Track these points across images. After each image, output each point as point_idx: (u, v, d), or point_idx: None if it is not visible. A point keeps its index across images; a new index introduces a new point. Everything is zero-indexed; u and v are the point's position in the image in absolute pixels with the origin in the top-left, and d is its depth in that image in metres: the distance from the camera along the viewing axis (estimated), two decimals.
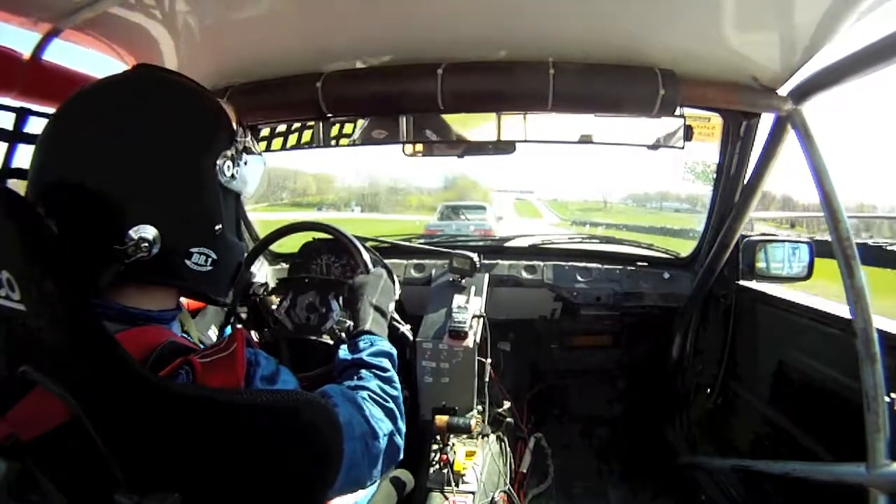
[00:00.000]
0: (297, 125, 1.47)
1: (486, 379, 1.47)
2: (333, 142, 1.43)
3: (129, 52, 1.15)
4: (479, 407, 1.47)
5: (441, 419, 1.31)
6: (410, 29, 1.12)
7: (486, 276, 1.69)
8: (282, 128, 1.50)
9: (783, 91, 1.22)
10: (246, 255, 0.83)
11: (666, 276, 1.89)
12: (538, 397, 2.21)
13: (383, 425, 0.73)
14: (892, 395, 1.03)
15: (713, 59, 1.17)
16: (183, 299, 0.70)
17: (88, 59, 1.22)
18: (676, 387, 2.01)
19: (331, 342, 1.29)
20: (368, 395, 0.76)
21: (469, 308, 1.48)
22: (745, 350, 1.73)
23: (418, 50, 1.19)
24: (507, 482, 1.39)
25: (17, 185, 0.91)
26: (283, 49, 1.21)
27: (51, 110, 0.92)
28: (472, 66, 1.21)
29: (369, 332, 0.93)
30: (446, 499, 1.23)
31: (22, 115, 0.95)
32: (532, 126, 1.33)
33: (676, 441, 2.00)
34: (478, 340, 1.44)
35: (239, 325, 1.37)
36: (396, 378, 0.86)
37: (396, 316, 1.27)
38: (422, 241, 2.10)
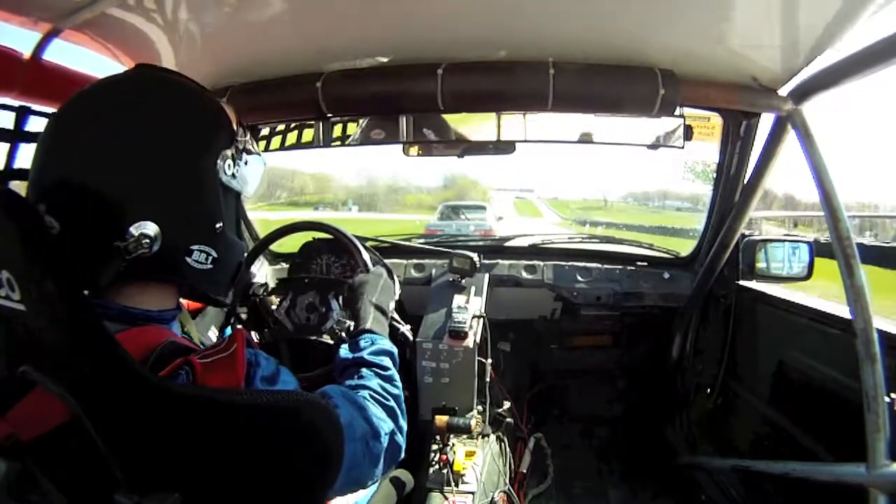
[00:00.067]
0: (296, 125, 1.47)
1: (487, 379, 1.47)
2: (334, 142, 1.43)
3: (129, 52, 1.15)
4: (479, 407, 1.47)
5: (441, 419, 1.31)
6: (410, 29, 1.12)
7: (486, 276, 1.69)
8: (282, 128, 1.50)
9: (783, 91, 1.22)
10: (246, 254, 0.83)
11: (666, 275, 1.89)
12: (538, 397, 2.21)
13: (384, 425, 0.73)
14: (892, 395, 1.03)
15: (713, 59, 1.17)
16: (183, 300, 0.70)
17: (88, 59, 1.22)
18: (676, 387, 2.00)
19: (331, 342, 1.29)
20: (369, 395, 0.76)
21: (469, 308, 1.48)
22: (745, 350, 1.73)
23: (418, 50, 1.19)
24: (507, 482, 1.39)
25: (18, 186, 0.91)
26: (283, 49, 1.21)
27: (51, 110, 0.92)
28: (472, 66, 1.21)
29: (370, 331, 0.93)
30: (446, 499, 1.23)
31: (22, 114, 0.95)
32: (532, 126, 1.33)
33: (676, 441, 2.00)
34: (478, 340, 1.44)
35: (239, 326, 1.37)
36: (397, 376, 0.86)
37: (396, 316, 1.27)
38: (422, 240, 2.10)
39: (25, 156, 0.94)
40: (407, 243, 2.01)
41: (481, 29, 1.10)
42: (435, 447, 1.33)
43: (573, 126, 1.35)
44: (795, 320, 1.47)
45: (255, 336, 1.32)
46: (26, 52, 0.97)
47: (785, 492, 1.43)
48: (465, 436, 1.37)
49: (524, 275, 1.88)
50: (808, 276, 1.62)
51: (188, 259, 0.61)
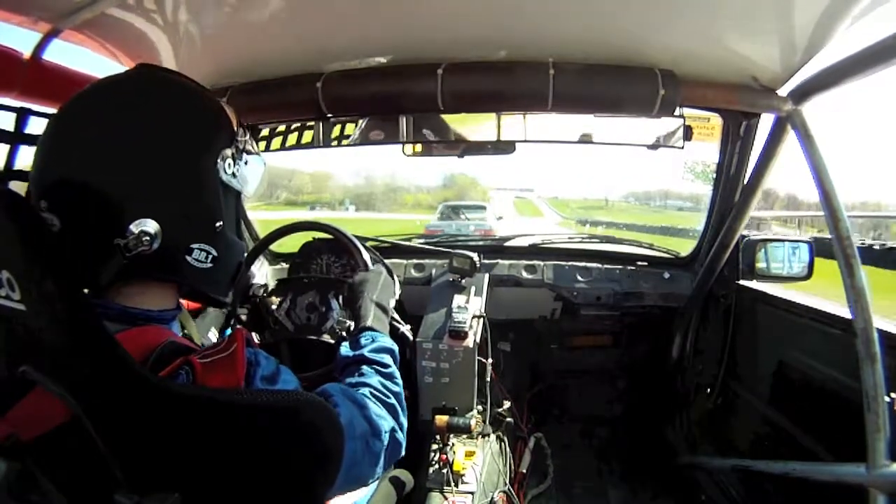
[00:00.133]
0: (297, 125, 1.47)
1: (487, 379, 1.47)
2: (334, 142, 1.43)
3: (129, 52, 1.15)
4: (479, 407, 1.47)
5: (441, 419, 1.31)
6: (410, 29, 1.12)
7: (486, 275, 1.69)
8: (282, 128, 1.50)
9: (783, 91, 1.22)
10: (246, 254, 0.83)
11: (666, 275, 1.89)
12: (538, 397, 2.21)
13: (384, 423, 0.73)
14: (892, 395, 1.04)
15: (713, 59, 1.17)
16: (182, 301, 0.70)
17: (88, 60, 1.22)
18: (676, 387, 2.00)
19: (332, 341, 1.29)
20: (370, 392, 0.76)
21: (469, 308, 1.48)
22: (745, 350, 1.73)
23: (418, 50, 1.19)
24: (507, 482, 1.39)
25: (18, 186, 0.91)
26: (283, 49, 1.21)
27: (51, 110, 0.92)
28: (472, 66, 1.21)
29: (371, 329, 0.94)
30: (446, 499, 1.23)
31: (22, 115, 0.95)
32: (532, 126, 1.33)
33: (676, 441, 2.00)
34: (478, 340, 1.44)
35: (239, 326, 1.37)
36: (398, 374, 0.86)
37: (396, 316, 1.27)
38: (422, 240, 2.10)
39: (25, 156, 0.94)
40: (407, 243, 2.01)
41: (481, 29, 1.10)
42: (435, 447, 1.33)
43: (573, 126, 1.35)
44: (795, 320, 1.47)
45: (255, 337, 1.32)
46: (26, 52, 0.97)
47: (785, 492, 1.43)
48: (464, 436, 1.37)
49: (524, 275, 1.88)
50: (809, 276, 1.62)
51: (188, 258, 0.61)
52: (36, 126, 0.96)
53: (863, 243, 8.59)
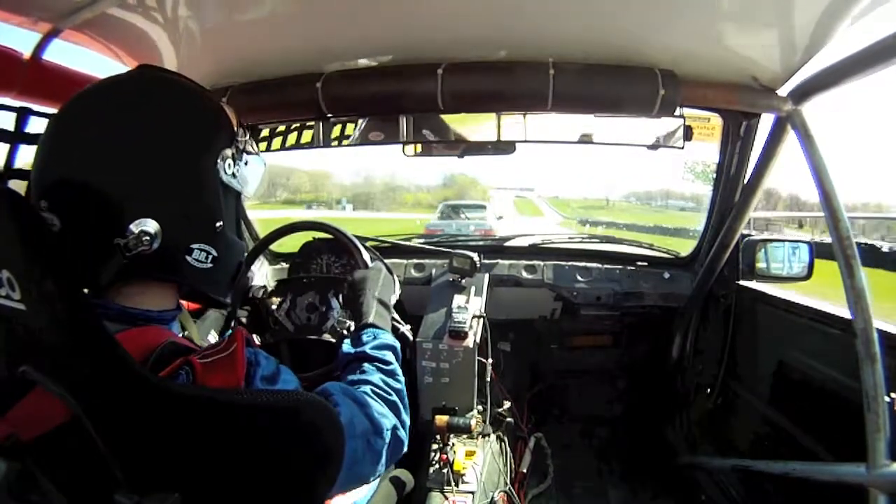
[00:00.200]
0: (297, 125, 1.47)
1: (487, 379, 1.47)
2: (333, 142, 1.43)
3: (130, 52, 1.15)
4: (480, 407, 1.47)
5: (441, 419, 1.31)
6: (410, 29, 1.12)
7: (486, 275, 1.69)
8: (282, 128, 1.50)
9: (783, 91, 1.22)
10: (246, 254, 0.83)
11: (666, 275, 1.89)
12: (538, 397, 2.21)
13: (385, 421, 0.72)
14: (892, 395, 1.04)
15: (713, 59, 1.17)
16: (182, 302, 0.70)
17: (88, 60, 1.22)
18: (676, 387, 2.01)
19: (332, 340, 1.29)
20: (371, 390, 0.76)
21: (469, 308, 1.48)
22: (745, 350, 1.73)
23: (418, 50, 1.19)
24: (507, 482, 1.39)
25: (18, 186, 0.91)
26: (283, 49, 1.21)
27: (51, 110, 0.92)
28: (472, 66, 1.21)
29: (373, 325, 0.93)
30: (446, 498, 1.23)
31: (22, 114, 0.95)
32: (532, 126, 1.33)
33: (676, 441, 2.00)
34: (478, 340, 1.43)
35: (239, 326, 1.37)
36: (399, 370, 0.86)
37: (396, 315, 1.27)
38: (422, 240, 2.10)
39: (26, 156, 0.94)
40: (407, 243, 2.01)
41: (481, 29, 1.10)
42: (435, 447, 1.33)
43: (573, 126, 1.35)
44: (795, 320, 1.47)
45: (256, 338, 1.32)
46: (26, 52, 0.97)
47: (785, 492, 1.43)
48: (465, 435, 1.37)
49: (524, 275, 1.88)
50: (808, 276, 1.62)
51: (188, 258, 0.61)
52: (36, 126, 0.96)
53: (869, 244, 8.54)
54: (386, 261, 1.37)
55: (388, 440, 0.72)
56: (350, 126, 1.42)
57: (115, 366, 0.45)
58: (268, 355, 0.61)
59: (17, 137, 0.93)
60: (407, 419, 0.78)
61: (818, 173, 1.14)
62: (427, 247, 1.92)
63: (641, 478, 1.98)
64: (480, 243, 2.66)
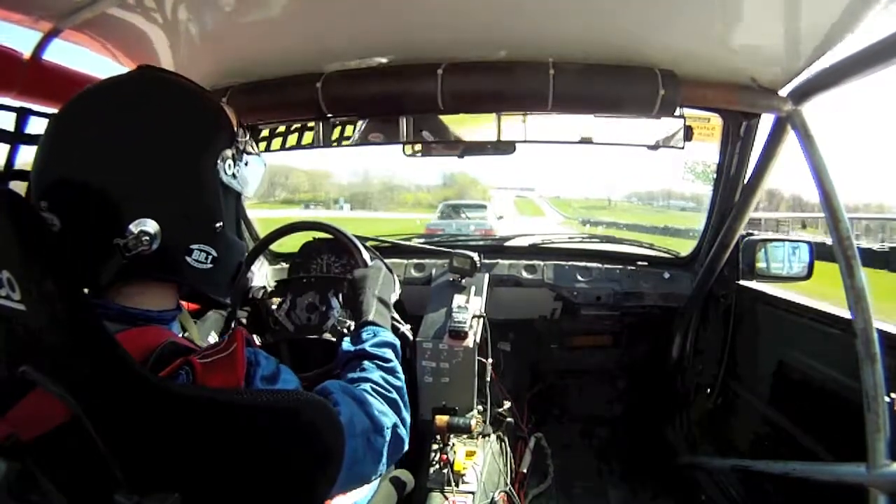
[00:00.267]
0: (297, 125, 1.47)
1: (487, 379, 1.47)
2: (334, 142, 1.43)
3: (129, 52, 1.15)
4: (480, 407, 1.47)
5: (441, 419, 1.31)
6: (410, 29, 1.12)
7: (486, 275, 1.69)
8: (282, 128, 1.50)
9: (783, 92, 1.22)
10: (246, 255, 0.83)
11: (666, 275, 1.89)
12: (538, 397, 2.21)
13: (386, 419, 0.72)
14: (892, 395, 1.03)
15: (713, 59, 1.17)
16: (183, 303, 0.70)
17: (88, 60, 1.22)
18: (676, 387, 2.00)
19: (333, 339, 1.29)
20: (371, 388, 0.76)
21: (469, 308, 1.48)
22: (745, 350, 1.73)
23: (418, 50, 1.19)
24: (508, 482, 1.39)
25: (18, 186, 0.91)
26: (283, 49, 1.21)
27: (51, 110, 0.92)
28: (472, 66, 1.21)
29: (373, 323, 0.93)
30: (446, 499, 1.23)
31: (22, 114, 0.95)
32: (532, 126, 1.33)
33: (676, 441, 2.00)
34: (478, 340, 1.43)
35: (239, 327, 1.37)
36: (400, 368, 0.85)
37: (396, 314, 1.27)
38: (422, 240, 2.10)
39: (26, 156, 0.94)
40: (407, 243, 2.01)
41: (481, 29, 1.10)
42: (435, 447, 1.33)
43: (573, 126, 1.35)
44: (795, 320, 1.47)
45: (256, 338, 1.32)
46: (26, 52, 0.97)
47: (785, 492, 1.43)
48: (465, 436, 1.37)
49: (524, 274, 1.88)
50: (808, 276, 1.62)
51: (188, 258, 0.61)
52: (36, 126, 0.96)
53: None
54: (386, 260, 1.37)
55: (388, 438, 0.71)
56: (350, 126, 1.42)
57: (115, 366, 0.45)
58: (268, 355, 0.61)
59: (17, 137, 0.93)
60: (407, 417, 0.78)
61: (818, 173, 1.14)
62: (427, 247, 1.92)
63: (641, 478, 1.98)
64: (480, 243, 2.66)
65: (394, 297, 1.09)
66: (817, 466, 1.24)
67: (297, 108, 1.35)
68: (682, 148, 1.33)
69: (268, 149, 1.52)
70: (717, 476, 1.74)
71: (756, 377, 1.64)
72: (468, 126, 1.38)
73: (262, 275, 1.84)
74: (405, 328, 1.31)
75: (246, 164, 0.68)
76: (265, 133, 1.53)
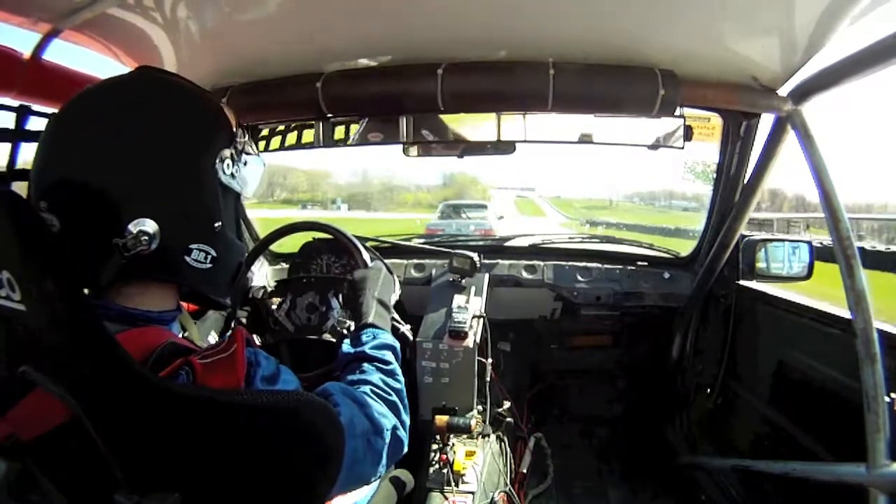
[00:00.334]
0: (296, 125, 1.47)
1: (487, 379, 1.47)
2: (334, 142, 1.43)
3: (129, 52, 1.15)
4: (479, 407, 1.47)
5: (441, 419, 1.31)
6: (410, 29, 1.12)
7: (486, 275, 1.69)
8: (281, 128, 1.50)
9: (783, 91, 1.22)
10: (246, 255, 0.83)
11: (666, 275, 1.89)
12: (538, 397, 2.20)
13: (385, 421, 0.73)
14: (892, 395, 1.04)
15: (713, 59, 1.17)
16: (183, 303, 0.70)
17: (88, 60, 1.22)
18: (676, 387, 2.00)
19: (333, 340, 1.29)
20: (370, 390, 0.76)
21: (469, 308, 1.48)
22: (745, 350, 1.73)
23: (418, 50, 1.19)
24: (507, 482, 1.39)
25: (18, 186, 0.91)
26: (283, 49, 1.21)
27: (51, 110, 0.93)
28: (472, 66, 1.21)
29: (372, 325, 0.94)
30: (446, 499, 1.23)
31: (22, 114, 0.95)
32: (532, 126, 1.32)
33: (676, 441, 2.00)
34: (478, 340, 1.43)
35: (239, 327, 1.37)
36: (399, 370, 0.86)
37: (396, 315, 1.27)
38: (422, 240, 2.10)
39: (26, 156, 0.94)
40: (407, 243, 2.01)
41: (481, 29, 1.10)
42: (435, 447, 1.33)
43: (573, 126, 1.35)
44: (795, 320, 1.47)
45: (256, 338, 1.32)
46: (26, 52, 0.97)
47: (785, 492, 1.43)
48: (465, 436, 1.37)
49: (524, 275, 1.88)
50: (808, 276, 1.62)
51: (187, 258, 0.61)
52: (36, 126, 0.96)
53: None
54: (386, 261, 1.37)
55: (388, 440, 0.72)
56: (350, 126, 1.42)
57: (115, 366, 0.45)
58: (268, 356, 0.61)
59: (17, 137, 0.93)
60: (407, 419, 0.78)
61: (818, 173, 1.14)
62: (427, 247, 1.92)
63: (641, 478, 1.98)
64: (480, 243, 2.66)
65: (394, 299, 1.09)
66: (817, 466, 1.24)
67: (297, 108, 1.35)
68: (682, 148, 1.34)
69: (267, 148, 1.52)
70: (717, 476, 1.74)
71: (756, 377, 1.64)
72: (468, 126, 1.38)
73: (262, 275, 1.84)
74: (405, 328, 1.31)
75: (245, 164, 0.68)
76: (265, 133, 1.53)
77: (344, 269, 1.65)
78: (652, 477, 1.96)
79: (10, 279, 0.44)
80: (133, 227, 0.55)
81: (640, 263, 1.96)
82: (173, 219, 0.58)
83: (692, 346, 1.92)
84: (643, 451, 2.08)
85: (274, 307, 1.40)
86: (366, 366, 0.82)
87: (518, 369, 2.08)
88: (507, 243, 2.18)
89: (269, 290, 1.44)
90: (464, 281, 1.63)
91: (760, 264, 1.64)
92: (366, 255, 1.30)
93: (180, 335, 0.69)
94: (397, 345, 0.92)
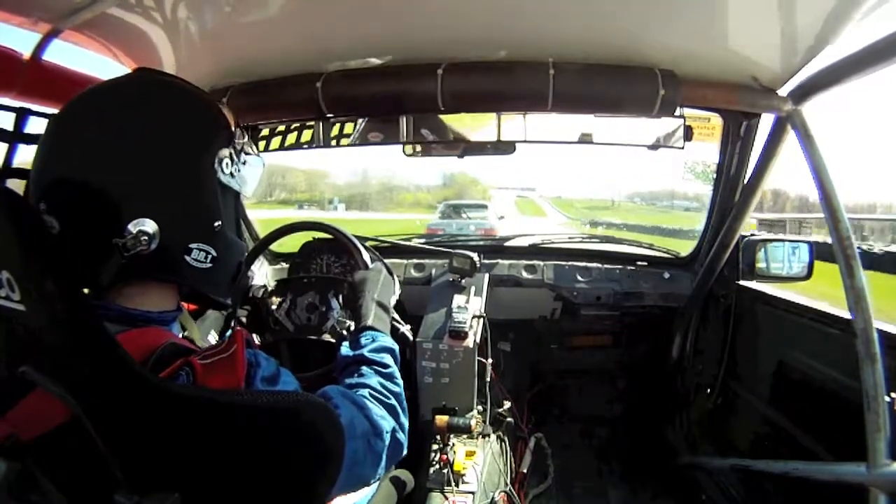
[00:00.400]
0: (296, 125, 1.47)
1: (487, 379, 1.47)
2: (333, 142, 1.43)
3: (129, 52, 1.15)
4: (480, 407, 1.47)
5: (441, 419, 1.31)
6: (410, 29, 1.12)
7: (486, 275, 1.69)
8: (281, 128, 1.50)
9: (783, 91, 1.22)
10: (246, 254, 0.84)
11: (666, 275, 1.89)
12: (538, 397, 2.20)
13: (385, 423, 0.73)
14: (892, 394, 1.03)
15: (713, 59, 1.17)
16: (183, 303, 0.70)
17: (88, 60, 1.22)
18: (676, 387, 2.00)
19: (332, 340, 1.29)
20: (369, 393, 0.76)
21: (469, 308, 1.48)
22: (745, 350, 1.73)
23: (418, 50, 1.19)
24: (508, 482, 1.39)
25: (18, 186, 0.91)
26: (283, 49, 1.21)
27: (51, 110, 0.92)
28: (472, 66, 1.21)
29: (371, 328, 0.93)
30: (446, 499, 1.23)
31: (22, 114, 0.95)
32: (532, 126, 1.32)
33: (676, 441, 2.00)
34: (478, 340, 1.43)
35: (239, 327, 1.37)
36: (398, 374, 0.86)
37: (396, 315, 1.27)
38: (422, 240, 2.10)
39: (23, 155, 0.94)
40: (407, 243, 2.01)
41: (481, 29, 1.10)
42: (435, 447, 1.33)
43: (573, 126, 1.35)
44: (795, 320, 1.47)
45: (255, 338, 1.32)
46: (26, 52, 0.97)
47: (785, 492, 1.43)
48: (465, 436, 1.37)
49: (524, 275, 1.88)
50: (808, 276, 1.62)
51: (187, 258, 0.61)
52: (35, 126, 0.96)
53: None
54: (386, 261, 1.37)
55: (387, 442, 0.72)
56: (350, 126, 1.42)
57: (115, 366, 0.45)
58: (268, 356, 0.61)
59: (16, 137, 0.93)
60: (406, 422, 0.78)
61: (818, 173, 1.14)
62: (427, 247, 1.92)
63: (641, 478, 1.98)
64: (480, 243, 2.66)
65: (393, 300, 1.09)
66: (817, 466, 1.24)
67: (297, 108, 1.35)
68: (682, 148, 1.34)
69: (267, 148, 1.52)
70: (717, 476, 1.74)
71: (756, 377, 1.64)
72: (468, 126, 1.38)
73: (262, 275, 1.84)
74: (405, 328, 1.31)
75: (244, 163, 0.68)
76: (265, 133, 1.53)
77: (344, 268, 1.65)
78: (652, 477, 1.96)
79: (10, 279, 0.44)
80: (133, 227, 0.55)
81: (640, 263, 1.96)
82: (173, 218, 0.58)
83: (692, 346, 1.92)
84: (643, 451, 2.08)
85: (274, 307, 1.40)
86: (364, 369, 0.82)
87: (518, 369, 2.08)
88: (507, 243, 2.18)
89: (269, 289, 1.44)
90: (464, 281, 1.63)
91: (760, 264, 1.64)
92: (366, 256, 1.30)
93: (180, 335, 0.69)
94: (396, 348, 0.92)
